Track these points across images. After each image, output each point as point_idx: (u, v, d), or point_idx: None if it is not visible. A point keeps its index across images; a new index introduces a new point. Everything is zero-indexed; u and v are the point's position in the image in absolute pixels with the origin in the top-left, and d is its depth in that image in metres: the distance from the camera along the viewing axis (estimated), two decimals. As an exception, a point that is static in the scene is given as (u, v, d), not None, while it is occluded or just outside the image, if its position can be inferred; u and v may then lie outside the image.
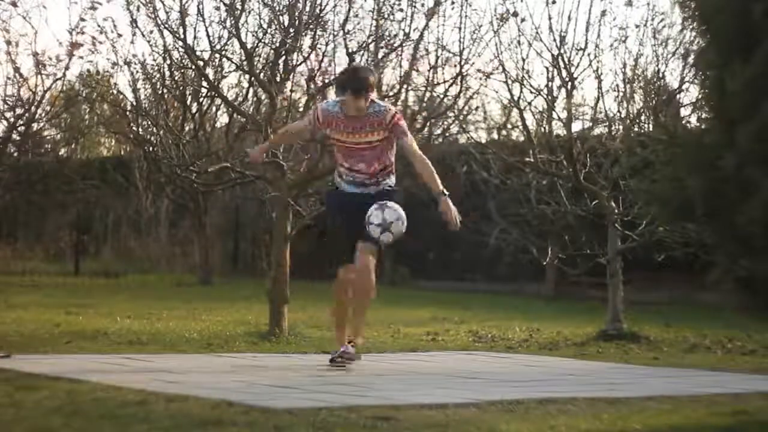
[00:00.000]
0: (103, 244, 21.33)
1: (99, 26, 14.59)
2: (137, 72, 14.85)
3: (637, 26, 10.75)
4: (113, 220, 21.52)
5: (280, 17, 9.34)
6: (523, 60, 10.45)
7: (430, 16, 9.60)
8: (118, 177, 20.89)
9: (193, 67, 10.89)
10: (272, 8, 9.39)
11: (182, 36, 9.89)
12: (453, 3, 9.83)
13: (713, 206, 5.27)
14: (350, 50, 9.44)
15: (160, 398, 5.21)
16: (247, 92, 14.63)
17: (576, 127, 11.25)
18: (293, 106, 9.95)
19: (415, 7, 9.52)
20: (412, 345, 8.85)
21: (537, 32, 10.40)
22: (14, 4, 16.79)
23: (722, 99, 5.21)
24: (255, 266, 18.99)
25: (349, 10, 9.47)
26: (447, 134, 15.68)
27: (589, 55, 10.38)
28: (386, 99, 9.13)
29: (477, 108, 15.21)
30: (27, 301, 11.93)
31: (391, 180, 7.21)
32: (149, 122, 14.83)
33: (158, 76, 14.10)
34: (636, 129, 11.25)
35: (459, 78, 9.77)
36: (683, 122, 10.56)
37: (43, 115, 18.89)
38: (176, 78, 13.83)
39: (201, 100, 15.89)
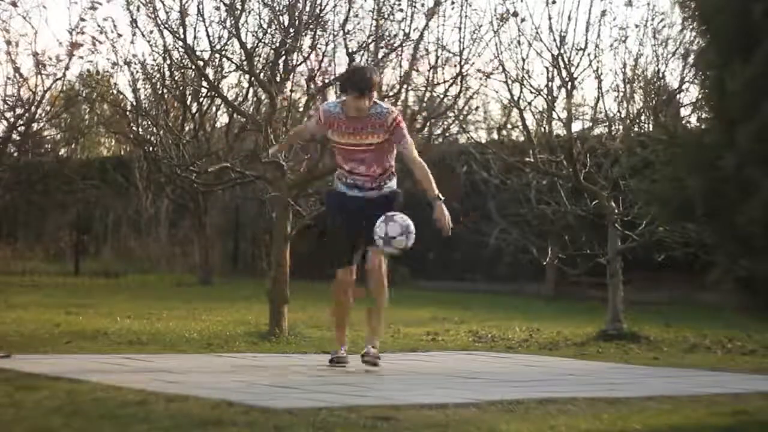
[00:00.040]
0: (103, 244, 21.33)
1: (99, 26, 14.62)
2: (137, 72, 14.88)
3: (637, 26, 10.76)
4: (113, 220, 21.52)
5: (280, 17, 9.34)
6: (523, 60, 10.46)
7: (430, 16, 9.60)
8: (118, 177, 20.90)
9: (193, 67, 10.90)
10: (272, 8, 9.39)
11: (182, 36, 9.89)
12: (453, 3, 9.84)
13: (713, 206, 5.27)
14: (350, 50, 9.45)
15: (160, 398, 5.21)
16: (247, 92, 14.65)
17: (576, 127, 11.26)
18: (293, 106, 9.95)
19: (415, 7, 9.53)
20: (412, 345, 8.85)
21: (537, 32, 10.41)
22: (14, 4, 16.80)
23: (722, 99, 5.21)
24: (255, 266, 18.99)
25: (349, 10, 9.48)
26: (447, 134, 15.66)
27: (589, 55, 10.40)
28: (386, 99, 9.13)
29: (477, 108, 15.24)
30: (27, 301, 11.93)
31: (393, 182, 7.21)
32: (149, 122, 14.84)
33: (158, 76, 14.11)
34: (636, 129, 11.25)
35: (459, 78, 9.78)
36: (683, 122, 10.56)
37: (43, 115, 18.90)
38: (176, 78, 13.84)
39: (201, 100, 15.91)
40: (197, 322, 10.10)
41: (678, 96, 10.94)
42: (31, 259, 19.77)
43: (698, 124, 8.17)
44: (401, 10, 9.55)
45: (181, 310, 11.54)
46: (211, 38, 10.01)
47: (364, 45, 9.56)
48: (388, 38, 9.66)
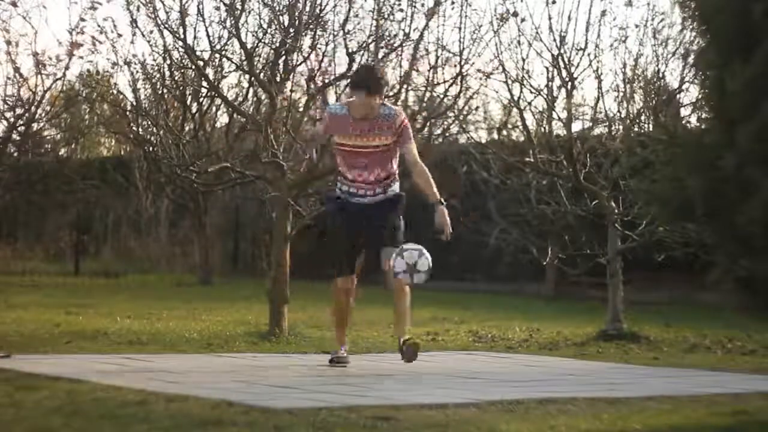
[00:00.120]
0: (103, 244, 21.33)
1: (99, 26, 14.61)
2: (137, 72, 14.87)
3: (637, 26, 10.76)
4: (113, 220, 21.53)
5: (280, 17, 9.34)
6: (523, 60, 10.45)
7: (430, 16, 9.60)
8: (118, 177, 20.90)
9: (193, 67, 10.89)
10: (272, 8, 9.39)
11: (182, 36, 9.89)
12: (453, 3, 9.83)
13: (713, 206, 5.27)
14: (350, 50, 9.45)
15: (160, 398, 5.21)
16: (247, 92, 14.66)
17: (576, 127, 11.25)
18: (293, 106, 9.95)
19: (415, 7, 9.52)
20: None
21: (537, 32, 10.41)
22: (14, 4, 16.79)
23: (722, 99, 5.21)
24: (255, 266, 18.99)
25: (349, 10, 9.47)
26: (447, 134, 15.67)
27: (589, 55, 10.39)
28: (386, 99, 9.13)
29: (477, 108, 15.22)
30: (27, 301, 11.93)
31: (396, 186, 7.18)
32: (149, 122, 14.84)
33: (158, 76, 14.11)
34: (636, 129, 11.25)
35: (459, 78, 9.77)
36: (683, 122, 10.56)
37: (43, 115, 18.88)
38: (176, 78, 13.84)
39: (201, 100, 15.91)
40: (197, 322, 10.10)
41: (678, 96, 10.94)
42: (31, 259, 19.78)
43: (698, 124, 8.17)
44: (401, 10, 9.55)
45: (181, 310, 11.54)
46: (211, 38, 10.02)
47: (364, 45, 9.56)
48: (388, 38, 9.66)
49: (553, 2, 10.37)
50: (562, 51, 10.32)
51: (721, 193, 5.20)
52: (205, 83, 12.51)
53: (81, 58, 17.00)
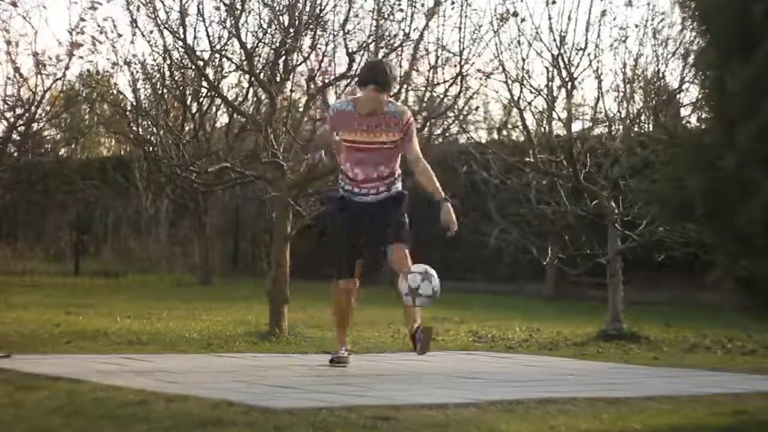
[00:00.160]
0: (103, 244, 21.34)
1: (99, 26, 14.61)
2: (137, 72, 14.88)
3: (637, 26, 10.76)
4: (113, 220, 21.54)
5: (280, 17, 9.33)
6: (523, 60, 10.45)
7: (430, 16, 9.60)
8: (118, 177, 20.91)
9: (193, 67, 10.89)
10: (272, 8, 9.39)
11: (182, 36, 9.89)
12: (453, 3, 9.84)
13: (713, 206, 5.27)
14: (350, 50, 9.45)
15: (160, 398, 5.21)
16: (247, 92, 14.67)
17: (576, 127, 11.26)
18: (293, 106, 9.94)
19: (415, 7, 9.52)
20: (412, 345, 8.83)
21: (537, 32, 10.41)
22: (14, 4, 16.80)
23: (722, 99, 5.21)
24: (255, 266, 18.99)
25: (349, 10, 9.47)
26: (447, 134, 15.68)
27: (589, 55, 10.39)
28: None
29: (477, 108, 15.24)
30: (27, 301, 11.93)
31: (399, 185, 7.17)
32: (149, 122, 14.84)
33: (158, 76, 14.11)
34: (636, 129, 11.25)
35: (459, 78, 9.77)
36: (683, 122, 10.56)
37: (43, 115, 18.89)
38: (176, 78, 13.84)
39: (201, 100, 15.91)
40: (197, 322, 10.10)
41: (678, 96, 10.94)
42: (31, 259, 19.78)
43: (698, 124, 8.17)
44: (401, 10, 9.55)
45: (181, 310, 11.54)
46: (211, 38, 10.01)
47: (364, 45, 9.56)
48: (388, 38, 9.66)
49: (553, 2, 10.38)
50: (562, 51, 10.33)
51: (721, 193, 5.20)
52: (205, 83, 12.51)
53: (81, 58, 17.03)
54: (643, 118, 11.39)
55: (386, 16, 9.62)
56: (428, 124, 10.36)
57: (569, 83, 10.44)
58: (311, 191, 9.88)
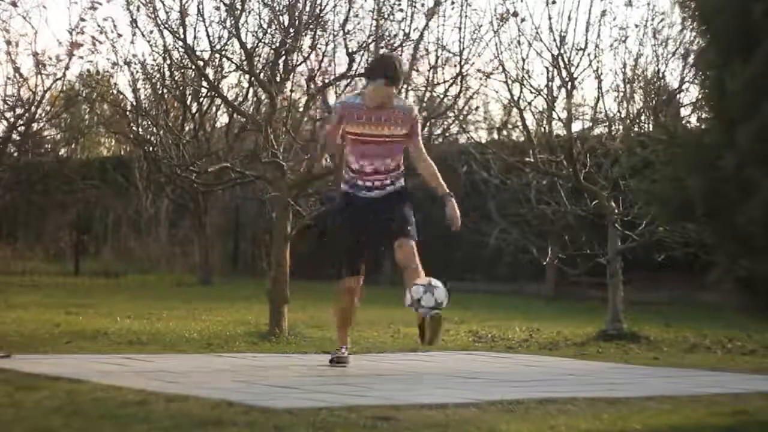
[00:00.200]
0: (103, 244, 21.34)
1: (99, 26, 14.62)
2: (137, 72, 14.89)
3: (637, 26, 10.76)
4: (113, 220, 21.54)
5: (280, 17, 9.33)
6: (523, 60, 10.45)
7: (430, 16, 9.60)
8: (118, 177, 20.91)
9: (193, 67, 10.89)
10: (272, 8, 9.39)
11: (182, 36, 9.88)
12: (453, 3, 9.84)
13: (713, 206, 5.27)
14: (350, 50, 9.44)
15: (160, 398, 5.21)
16: (247, 92, 14.66)
17: (576, 127, 11.26)
18: (293, 106, 9.94)
19: (415, 7, 9.53)
20: (412, 345, 8.84)
21: (537, 32, 10.41)
22: (14, 4, 16.80)
23: (722, 99, 5.22)
24: (255, 266, 19.00)
25: (349, 10, 9.47)
26: (447, 134, 15.69)
27: (589, 55, 10.39)
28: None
29: (477, 108, 15.25)
30: (27, 301, 11.93)
31: (402, 180, 7.16)
32: (149, 122, 14.85)
33: (158, 76, 14.12)
34: (636, 129, 11.25)
35: (459, 78, 9.78)
36: (683, 122, 10.56)
37: (43, 115, 18.90)
38: (176, 78, 13.84)
39: (201, 100, 15.91)
40: (197, 322, 10.10)
41: (678, 96, 10.94)
42: (31, 259, 19.78)
43: (698, 124, 8.17)
44: (401, 10, 9.56)
45: (181, 310, 11.54)
46: (211, 38, 10.01)
47: (364, 45, 9.56)
48: (388, 38, 9.66)
49: (553, 2, 10.38)
50: (562, 51, 10.33)
51: (721, 193, 5.20)
52: (205, 83, 12.51)
53: (81, 58, 17.04)
54: (643, 118, 11.39)
55: (386, 16, 9.62)
56: (428, 124, 10.35)
57: (569, 83, 10.44)
58: (311, 191, 9.88)
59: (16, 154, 20.31)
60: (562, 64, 10.35)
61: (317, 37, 9.48)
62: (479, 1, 32.45)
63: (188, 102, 15.65)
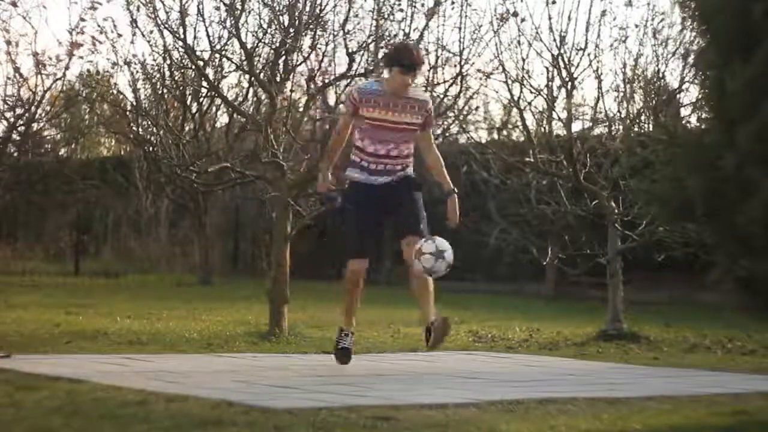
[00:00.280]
0: (103, 244, 21.35)
1: (99, 26, 14.62)
2: (137, 72, 14.88)
3: (637, 26, 10.76)
4: (113, 220, 21.54)
5: (280, 17, 9.33)
6: (523, 60, 10.45)
7: (430, 16, 9.60)
8: (118, 177, 20.91)
9: (193, 67, 10.89)
10: (272, 8, 9.39)
11: (182, 36, 9.89)
12: (453, 3, 9.84)
13: (713, 206, 5.28)
14: (350, 50, 9.45)
15: (160, 398, 5.21)
16: (247, 92, 14.65)
17: (576, 127, 11.26)
18: (293, 106, 9.94)
19: (415, 7, 9.53)
20: (412, 345, 8.84)
21: (537, 32, 10.41)
22: (14, 4, 16.81)
23: (722, 99, 5.22)
24: (255, 266, 18.99)
25: (349, 10, 9.48)
26: (447, 134, 15.68)
27: (589, 55, 10.39)
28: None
29: (477, 108, 15.24)
30: (27, 301, 11.93)
31: (411, 169, 7.15)
32: (149, 122, 14.84)
33: (158, 76, 14.11)
34: (636, 129, 11.25)
35: (459, 78, 9.78)
36: (683, 122, 10.56)
37: (43, 115, 18.90)
38: (176, 78, 13.84)
39: (201, 100, 15.91)
40: (197, 322, 10.10)
41: (678, 96, 10.94)
42: (31, 259, 19.78)
43: (698, 124, 8.17)
44: (401, 10, 9.56)
45: (181, 310, 11.54)
46: (211, 38, 10.02)
47: (364, 45, 9.56)
48: (388, 38, 9.66)
49: (553, 2, 10.38)
50: (562, 51, 10.33)
51: (721, 193, 5.20)
52: (205, 83, 12.51)
53: (81, 58, 17.04)
54: (643, 118, 11.38)
55: (386, 16, 9.62)
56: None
57: (569, 83, 10.44)
58: (311, 191, 9.88)
59: (16, 154, 20.31)
60: (562, 64, 10.35)
61: (317, 37, 9.48)
62: (479, 1, 32.46)
63: (188, 102, 15.65)
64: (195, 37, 10.68)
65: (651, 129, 11.30)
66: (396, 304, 12.76)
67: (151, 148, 15.10)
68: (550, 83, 10.47)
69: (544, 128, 10.85)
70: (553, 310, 14.18)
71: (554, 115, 10.63)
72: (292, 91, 10.04)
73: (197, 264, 18.84)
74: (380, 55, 9.64)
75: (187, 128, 15.25)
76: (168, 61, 12.98)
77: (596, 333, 9.92)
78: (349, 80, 9.63)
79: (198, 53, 10.63)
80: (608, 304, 10.16)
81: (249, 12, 9.57)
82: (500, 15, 10.29)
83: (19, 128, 18.69)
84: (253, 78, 10.44)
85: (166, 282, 17.99)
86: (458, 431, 4.67)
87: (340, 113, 7.68)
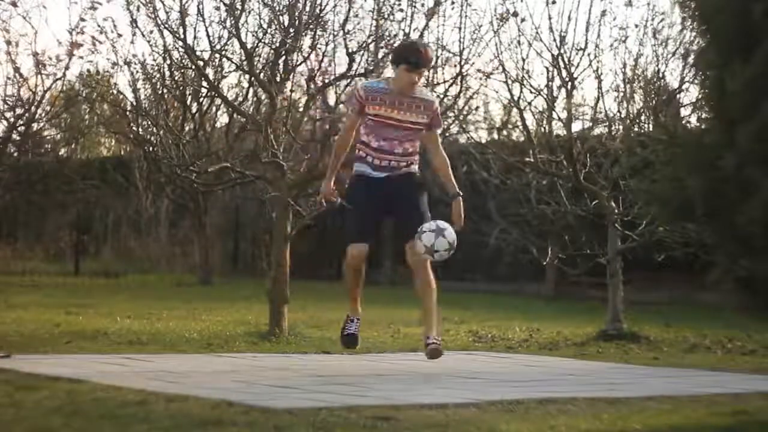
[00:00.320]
0: (103, 244, 21.35)
1: (99, 26, 14.62)
2: (137, 72, 14.88)
3: (637, 26, 10.77)
4: (113, 220, 21.55)
5: (280, 17, 9.34)
6: (523, 60, 10.46)
7: (430, 16, 9.60)
8: (118, 177, 20.92)
9: (193, 67, 10.89)
10: (272, 8, 9.39)
11: (182, 36, 9.89)
12: (453, 3, 9.85)
13: (713, 206, 5.28)
14: (350, 50, 9.45)
15: (160, 398, 5.21)
16: (247, 92, 14.66)
17: (576, 127, 11.27)
18: (293, 106, 9.94)
19: (415, 7, 9.53)
20: (412, 345, 8.84)
21: (537, 32, 10.42)
22: (14, 4, 16.81)
23: (722, 99, 5.22)
24: (255, 266, 18.99)
25: (349, 10, 9.48)
26: (447, 134, 15.67)
27: (589, 55, 10.40)
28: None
29: (477, 108, 15.23)
30: (27, 301, 11.93)
31: (416, 167, 7.11)
32: (149, 122, 14.84)
33: (158, 76, 14.11)
34: (636, 129, 11.25)
35: (459, 78, 9.78)
36: (683, 122, 10.56)
37: (43, 115, 18.91)
38: (176, 78, 13.84)
39: (201, 100, 15.91)
40: (197, 322, 10.10)
41: (678, 96, 10.94)
42: (31, 259, 19.79)
43: (698, 124, 8.18)
44: (401, 10, 9.56)
45: (181, 310, 11.54)
46: (211, 38, 10.02)
47: (364, 45, 9.56)
48: (388, 38, 9.66)
49: (553, 2, 10.38)
50: (562, 51, 10.33)
51: (721, 193, 5.20)
52: (205, 83, 12.51)
53: (81, 58, 17.05)
54: (643, 118, 11.39)
55: (386, 16, 9.63)
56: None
57: (569, 83, 10.44)
58: (311, 191, 9.88)
59: (16, 154, 20.31)
60: (562, 64, 10.35)
61: (317, 37, 9.48)
62: (479, 1, 32.46)
63: (188, 102, 15.65)
64: (195, 37, 10.69)
65: (651, 129, 11.30)
66: (396, 304, 12.76)
67: (151, 148, 15.10)
68: (550, 83, 10.48)
69: (544, 128, 10.85)
70: (553, 310, 14.18)
71: (554, 115, 10.64)
72: (292, 91, 10.05)
73: (197, 264, 18.84)
74: (380, 54, 9.65)
75: (187, 128, 15.25)
76: (168, 61, 12.98)
77: (596, 333, 9.92)
78: (349, 80, 9.63)
79: (198, 53, 10.63)
80: (608, 304, 10.16)
81: (249, 12, 9.58)
82: (500, 15, 10.30)
83: (19, 128, 18.70)
84: (253, 78, 10.44)
85: (166, 282, 17.99)
86: (458, 431, 4.67)
87: (342, 112, 7.65)
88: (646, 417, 5.21)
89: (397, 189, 6.95)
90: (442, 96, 9.90)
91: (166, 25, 9.99)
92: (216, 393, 5.39)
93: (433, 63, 7.44)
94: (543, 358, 8.31)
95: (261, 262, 17.23)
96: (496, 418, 4.98)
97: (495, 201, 15.74)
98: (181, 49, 11.06)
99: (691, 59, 10.06)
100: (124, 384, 5.67)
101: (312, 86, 9.70)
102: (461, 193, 7.05)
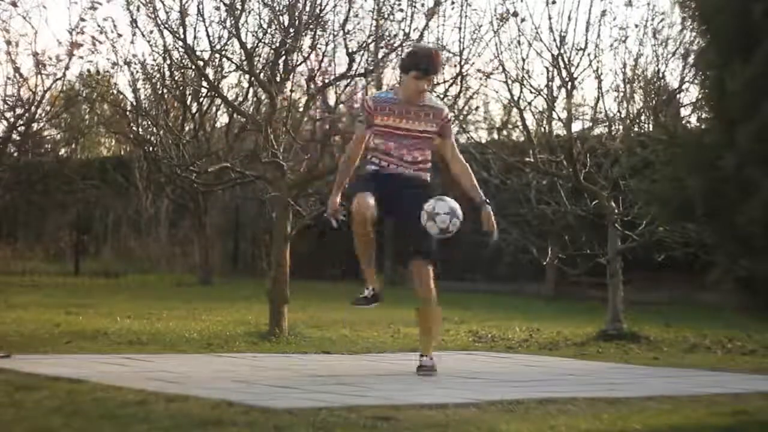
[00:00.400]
0: (103, 244, 21.35)
1: (99, 26, 14.65)
2: (137, 72, 14.90)
3: (637, 26, 10.77)
4: (113, 220, 21.55)
5: (280, 17, 9.33)
6: (523, 60, 10.46)
7: (430, 16, 9.60)
8: (118, 177, 20.92)
9: (193, 67, 10.90)
10: (272, 8, 9.39)
11: (182, 36, 9.89)
12: (453, 3, 9.85)
13: (713, 206, 5.27)
14: (350, 50, 9.44)
15: (160, 398, 5.20)
16: (247, 92, 14.67)
17: (576, 127, 11.26)
18: (293, 106, 9.94)
19: (415, 7, 9.52)
20: (412, 345, 8.84)
21: (537, 32, 10.42)
22: (14, 4, 16.82)
23: (722, 99, 5.22)
24: (255, 266, 19.00)
25: (349, 10, 9.47)
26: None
27: (589, 55, 10.40)
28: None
29: (477, 108, 15.24)
30: (27, 301, 11.93)
31: (428, 174, 7.04)
32: (149, 122, 14.86)
33: (158, 76, 14.12)
34: (636, 129, 11.25)
35: (459, 78, 9.78)
36: (683, 122, 10.56)
37: (43, 115, 18.91)
38: (176, 78, 13.85)
39: (201, 100, 15.92)
40: (197, 322, 10.10)
41: (678, 96, 10.94)
42: (31, 259, 19.79)
43: (698, 124, 8.17)
44: (401, 10, 9.56)
45: (181, 310, 11.54)
46: (211, 38, 10.02)
47: (364, 45, 9.56)
48: (388, 38, 9.66)
49: (553, 2, 10.38)
50: (562, 51, 10.33)
51: (721, 193, 5.20)
52: (205, 83, 12.51)
53: (81, 58, 17.05)
54: (643, 118, 11.39)
55: (386, 16, 9.62)
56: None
57: (569, 83, 10.44)
58: (311, 191, 9.88)
59: (16, 154, 20.32)
60: (562, 64, 10.35)
61: (317, 37, 9.48)
62: (479, 1, 32.47)
63: (188, 102, 15.66)
64: (195, 37, 10.69)
65: (651, 129, 11.31)
66: (396, 304, 12.74)
67: (151, 148, 15.11)
68: (550, 83, 10.48)
69: (544, 128, 10.85)
70: (553, 310, 14.18)
71: (554, 115, 10.64)
72: (292, 91, 10.04)
73: (197, 264, 18.84)
74: (380, 54, 9.65)
75: (187, 128, 15.26)
76: (168, 61, 13.00)
77: (596, 333, 9.92)
78: (349, 80, 9.63)
79: (198, 53, 10.63)
80: (608, 304, 10.16)
81: (249, 12, 9.57)
82: (500, 15, 10.30)
83: (19, 128, 18.71)
84: (253, 78, 10.44)
85: (166, 282, 17.99)
86: (458, 431, 4.67)
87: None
88: (646, 417, 5.21)
89: (401, 188, 6.89)
90: (442, 96, 9.90)
91: (166, 25, 9.99)
92: (216, 393, 5.39)
93: (442, 68, 7.38)
94: (543, 358, 8.31)
95: (261, 262, 17.25)
96: (496, 418, 4.98)
97: (495, 201, 15.69)
98: (181, 49, 11.07)
99: (691, 59, 10.06)
100: (124, 384, 5.67)
101: (312, 86, 9.70)
102: (488, 201, 6.95)
